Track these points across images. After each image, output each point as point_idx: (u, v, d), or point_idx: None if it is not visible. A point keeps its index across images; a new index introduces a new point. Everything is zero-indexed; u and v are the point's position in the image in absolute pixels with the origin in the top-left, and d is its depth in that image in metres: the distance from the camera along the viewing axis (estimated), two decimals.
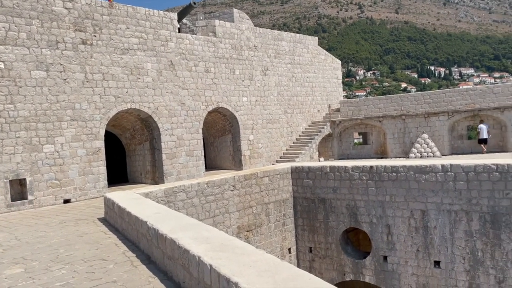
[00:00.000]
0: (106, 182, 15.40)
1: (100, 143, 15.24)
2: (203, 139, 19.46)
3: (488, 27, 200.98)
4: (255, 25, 23.74)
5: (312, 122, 25.14)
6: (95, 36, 15.08)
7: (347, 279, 14.22)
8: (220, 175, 14.09)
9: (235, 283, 3.56)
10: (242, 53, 20.87)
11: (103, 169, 15.28)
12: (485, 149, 21.05)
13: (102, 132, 15.32)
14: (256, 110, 21.52)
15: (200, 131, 18.77)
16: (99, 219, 10.35)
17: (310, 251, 15.05)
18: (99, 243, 7.82)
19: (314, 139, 23.37)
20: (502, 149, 21.25)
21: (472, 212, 11.62)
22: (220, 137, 21.58)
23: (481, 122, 21.34)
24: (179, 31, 18.88)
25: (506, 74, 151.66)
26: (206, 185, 12.51)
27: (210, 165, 21.63)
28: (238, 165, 20.66)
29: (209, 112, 19.35)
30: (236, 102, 20.42)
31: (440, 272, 12.27)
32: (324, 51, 26.94)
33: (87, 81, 14.87)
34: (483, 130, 21.04)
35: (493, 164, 11.25)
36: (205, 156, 20.00)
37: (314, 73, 25.54)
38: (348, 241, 14.74)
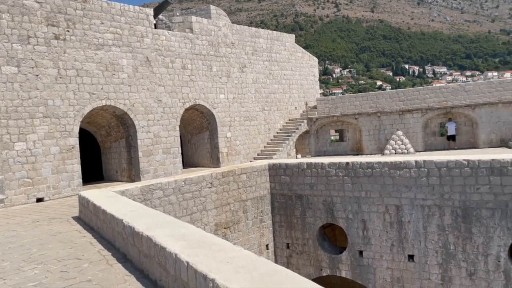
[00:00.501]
0: (81, 180, 15.11)
1: (74, 141, 14.93)
2: (180, 136, 19.31)
3: (460, 27, 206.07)
4: (232, 22, 23.68)
5: (289, 119, 25.27)
6: (68, 31, 14.74)
7: (324, 274, 14.38)
8: (198, 172, 14.01)
9: (212, 280, 3.56)
10: (219, 50, 20.78)
11: (77, 167, 14.98)
12: (452, 145, 21.92)
13: (76, 129, 15.01)
14: (233, 107, 21.48)
15: (177, 128, 18.61)
16: (74, 218, 10.15)
17: (288, 247, 15.15)
18: (73, 242, 7.67)
19: (292, 136, 23.50)
20: (473, 145, 21.87)
21: (444, 207, 11.91)
22: (198, 135, 21.46)
23: (450, 120, 22.11)
24: (155, 27, 18.64)
25: (477, 72, 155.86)
26: (183, 183, 12.42)
27: (187, 163, 21.49)
28: (215, 163, 20.60)
29: (186, 109, 19.20)
30: (213, 99, 20.33)
31: (414, 265, 12.54)
32: (301, 48, 27.09)
33: (60, 77, 14.52)
34: (451, 127, 21.87)
35: (465, 160, 11.56)
36: (182, 153, 19.85)
37: (291, 70, 25.66)
38: (325, 237, 14.91)
